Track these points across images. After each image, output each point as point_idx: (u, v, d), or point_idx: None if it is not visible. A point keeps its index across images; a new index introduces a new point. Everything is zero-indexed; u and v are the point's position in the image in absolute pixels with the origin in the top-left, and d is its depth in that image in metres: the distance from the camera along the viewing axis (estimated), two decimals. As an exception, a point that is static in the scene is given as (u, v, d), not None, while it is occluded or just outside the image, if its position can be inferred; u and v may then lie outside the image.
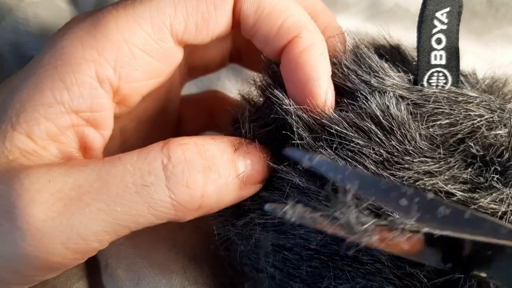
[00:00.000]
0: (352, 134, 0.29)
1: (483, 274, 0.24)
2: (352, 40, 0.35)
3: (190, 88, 0.48)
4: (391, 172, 0.28)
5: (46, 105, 0.28)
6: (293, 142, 0.30)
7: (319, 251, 0.30)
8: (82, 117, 0.29)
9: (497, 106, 0.30)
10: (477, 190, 0.28)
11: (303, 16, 0.31)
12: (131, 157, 0.27)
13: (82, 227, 0.26)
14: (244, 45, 0.42)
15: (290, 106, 0.30)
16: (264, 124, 0.32)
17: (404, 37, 0.39)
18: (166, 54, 0.30)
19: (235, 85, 0.52)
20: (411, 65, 0.33)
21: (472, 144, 0.28)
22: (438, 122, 0.29)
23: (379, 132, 0.29)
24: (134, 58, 0.29)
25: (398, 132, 0.28)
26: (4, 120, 0.28)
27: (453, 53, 0.31)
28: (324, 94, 0.30)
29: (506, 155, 0.28)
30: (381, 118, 0.29)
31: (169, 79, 0.33)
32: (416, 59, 0.32)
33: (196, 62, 0.41)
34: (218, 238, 0.34)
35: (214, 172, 0.28)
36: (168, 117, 0.42)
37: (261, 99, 0.35)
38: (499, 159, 0.28)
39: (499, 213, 0.27)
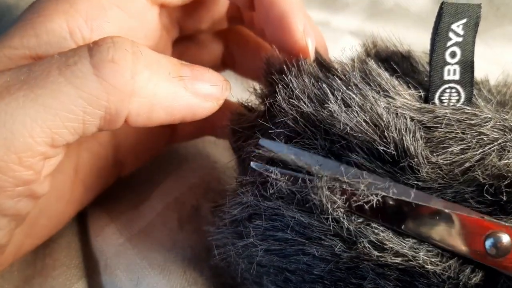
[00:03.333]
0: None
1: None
2: (362, 51, 0.33)
3: None
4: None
5: (12, 47, 0.28)
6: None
7: (322, 277, 0.28)
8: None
9: (511, 124, 0.28)
10: None
11: None
12: (62, 51, 0.26)
13: (9, 118, 0.24)
14: (236, 50, 0.41)
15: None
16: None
17: (404, 36, 0.38)
18: (139, 11, 0.30)
19: (234, 85, 0.48)
20: (421, 75, 0.31)
21: (481, 173, 0.26)
22: (450, 149, 0.27)
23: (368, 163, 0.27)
24: (105, 10, 0.29)
25: (399, 164, 0.27)
26: None
27: (467, 67, 0.28)
28: (301, 27, 0.29)
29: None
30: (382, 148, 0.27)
31: (152, 40, 0.33)
32: (427, 66, 0.30)
33: (184, 27, 0.40)
34: (218, 254, 0.32)
35: (146, 55, 0.26)
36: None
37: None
38: (508, 189, 0.26)
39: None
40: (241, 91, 0.48)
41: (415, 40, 0.33)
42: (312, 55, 0.31)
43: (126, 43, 0.26)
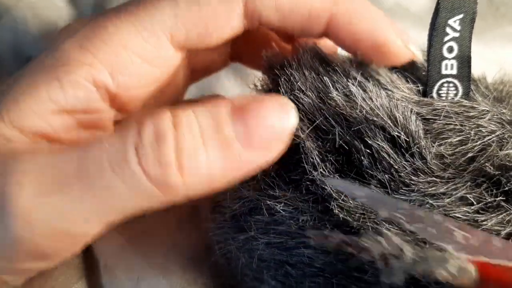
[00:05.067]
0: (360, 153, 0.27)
1: None
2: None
3: (190, 88, 0.46)
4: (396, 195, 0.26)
5: (39, 100, 0.27)
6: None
7: (323, 269, 0.28)
8: (76, 118, 0.28)
9: (508, 118, 0.28)
10: (483, 211, 0.26)
11: None
12: (109, 137, 0.26)
13: (67, 209, 0.25)
14: (244, 43, 0.40)
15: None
16: None
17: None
18: (166, 61, 0.28)
19: (234, 85, 0.50)
20: (420, 70, 0.31)
21: (487, 163, 0.26)
22: (449, 140, 0.27)
23: (390, 149, 0.26)
24: (132, 64, 0.27)
25: (410, 151, 0.26)
26: None
27: (464, 62, 0.29)
28: (396, 37, 0.29)
29: None
30: (395, 133, 0.26)
31: (171, 84, 0.31)
32: (425, 63, 0.30)
33: (198, 64, 0.39)
34: (218, 249, 0.32)
35: (189, 141, 0.25)
36: None
37: None
38: None
39: (502, 234, 0.26)
40: (240, 90, 0.48)
41: (415, 39, 0.33)
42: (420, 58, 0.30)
43: (169, 135, 0.25)
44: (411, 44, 0.29)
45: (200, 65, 0.39)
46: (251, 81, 0.34)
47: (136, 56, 0.27)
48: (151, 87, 0.29)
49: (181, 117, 0.25)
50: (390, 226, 0.25)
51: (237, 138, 0.25)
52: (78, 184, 0.25)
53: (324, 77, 0.29)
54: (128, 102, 0.29)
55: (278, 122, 0.26)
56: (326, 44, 0.33)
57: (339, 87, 0.28)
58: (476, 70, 0.32)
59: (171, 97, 0.37)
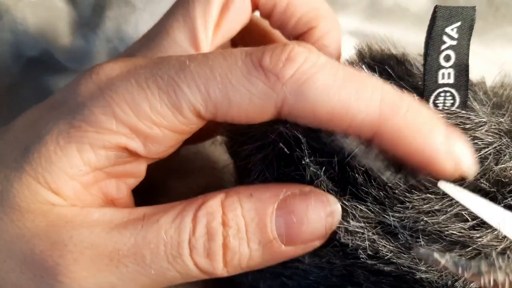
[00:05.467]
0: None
1: None
2: (356, 54, 0.32)
3: None
4: (390, 212, 0.26)
5: (74, 166, 0.27)
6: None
7: (318, 282, 0.28)
8: (105, 172, 0.29)
9: (506, 127, 0.28)
10: (478, 228, 0.26)
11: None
12: (165, 221, 0.27)
13: (118, 285, 0.27)
14: (249, 42, 0.40)
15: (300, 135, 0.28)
16: (260, 146, 0.30)
17: (403, 36, 0.37)
18: (193, 129, 0.29)
19: None
20: (416, 78, 0.30)
21: (482, 179, 0.26)
22: None
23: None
24: (164, 137, 0.28)
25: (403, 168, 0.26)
26: (32, 175, 0.27)
27: (462, 71, 0.28)
28: (442, 146, 0.25)
29: None
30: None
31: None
32: (422, 69, 0.29)
33: None
34: None
35: (235, 240, 0.27)
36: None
37: None
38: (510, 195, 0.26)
39: (498, 249, 0.25)
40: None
41: (415, 40, 0.32)
42: (471, 169, 0.25)
43: (219, 234, 0.27)
44: (462, 162, 0.26)
45: None
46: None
47: (166, 130, 0.28)
48: (176, 146, 0.30)
49: (229, 215, 0.27)
50: None
51: (279, 237, 0.27)
52: (134, 266, 0.26)
53: None
54: (155, 158, 0.30)
55: (321, 224, 0.27)
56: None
57: None
58: (476, 71, 0.31)
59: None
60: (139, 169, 0.30)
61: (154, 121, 0.27)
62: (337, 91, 0.25)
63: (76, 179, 0.28)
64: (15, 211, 0.27)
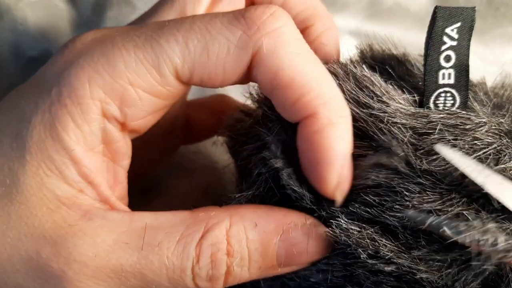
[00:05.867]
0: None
1: None
2: (357, 54, 0.32)
3: (193, 88, 0.46)
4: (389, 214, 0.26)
5: (68, 148, 0.27)
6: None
7: (319, 283, 0.28)
8: (101, 153, 0.29)
9: (507, 128, 0.28)
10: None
11: (326, 90, 0.27)
12: (167, 245, 0.27)
13: None
14: None
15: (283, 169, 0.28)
16: (261, 146, 0.30)
17: (403, 36, 0.37)
18: (172, 93, 0.29)
19: (236, 86, 0.49)
20: (417, 78, 0.30)
21: None
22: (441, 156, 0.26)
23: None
24: (140, 99, 0.28)
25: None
26: (35, 165, 0.27)
27: (462, 71, 0.28)
28: (335, 180, 0.27)
29: None
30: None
31: (175, 104, 0.32)
32: (422, 69, 0.29)
33: None
34: None
35: (238, 267, 0.28)
36: (175, 129, 0.41)
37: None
38: None
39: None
40: (236, 95, 0.48)
41: (415, 40, 0.32)
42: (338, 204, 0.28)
43: (223, 262, 0.27)
44: (338, 192, 0.28)
45: None
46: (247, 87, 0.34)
47: (142, 91, 0.28)
48: (157, 113, 0.30)
49: (234, 246, 0.27)
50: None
51: (277, 262, 0.28)
52: (136, 282, 0.27)
53: None
54: (137, 128, 0.30)
55: (319, 254, 0.28)
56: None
57: None
58: (476, 71, 0.31)
59: (176, 113, 0.39)
60: (126, 145, 0.30)
61: (129, 80, 0.27)
62: (305, 65, 0.27)
63: (77, 162, 0.27)
64: (24, 207, 0.27)
